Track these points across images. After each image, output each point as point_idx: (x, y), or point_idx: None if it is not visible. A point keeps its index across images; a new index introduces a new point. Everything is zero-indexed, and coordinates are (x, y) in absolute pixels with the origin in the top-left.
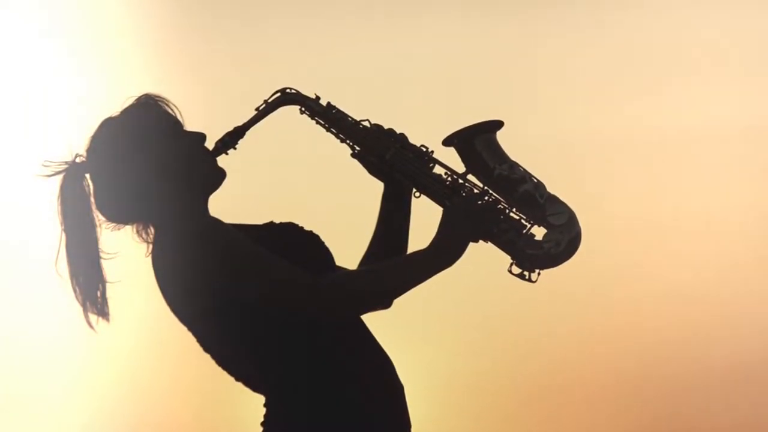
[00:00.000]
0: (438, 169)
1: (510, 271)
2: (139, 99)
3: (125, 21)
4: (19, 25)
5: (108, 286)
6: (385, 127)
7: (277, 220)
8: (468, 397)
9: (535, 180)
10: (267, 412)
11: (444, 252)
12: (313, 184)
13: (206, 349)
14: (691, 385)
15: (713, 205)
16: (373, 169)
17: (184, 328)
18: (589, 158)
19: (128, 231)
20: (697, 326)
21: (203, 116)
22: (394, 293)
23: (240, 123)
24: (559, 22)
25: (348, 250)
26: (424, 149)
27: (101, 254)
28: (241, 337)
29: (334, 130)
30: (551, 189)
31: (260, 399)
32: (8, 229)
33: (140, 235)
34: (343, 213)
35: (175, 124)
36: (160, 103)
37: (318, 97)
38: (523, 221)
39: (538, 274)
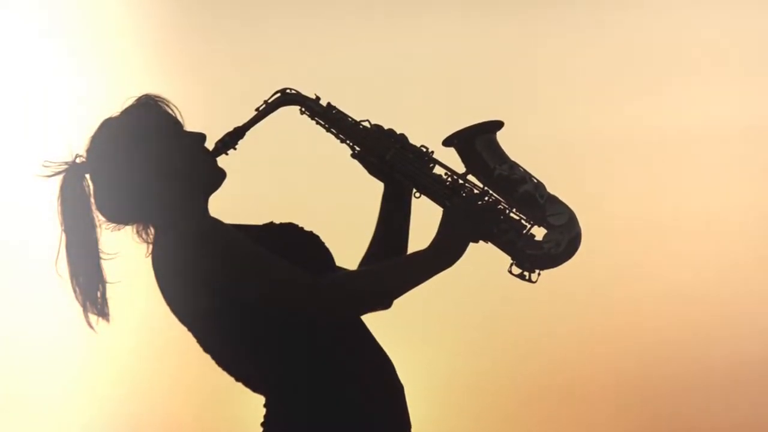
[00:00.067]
0: (438, 170)
1: (510, 272)
2: (139, 99)
3: (125, 21)
4: (19, 25)
5: (108, 286)
6: (385, 128)
7: (277, 221)
8: (468, 397)
9: (535, 180)
10: (267, 412)
11: (444, 252)
12: (313, 184)
13: (206, 349)
14: (691, 385)
15: (713, 205)
16: (373, 170)
17: (184, 328)
18: (589, 158)
19: (128, 231)
20: (697, 326)
21: (203, 116)
22: (394, 293)
23: (240, 123)
24: (559, 22)
25: (348, 250)
26: (424, 149)
27: (101, 254)
28: (241, 337)
29: (334, 131)
30: (551, 189)
31: (260, 399)
32: (8, 229)
33: (140, 236)
34: (343, 213)
35: (175, 124)
36: (160, 103)
37: (318, 98)
38: (523, 222)
39: (538, 274)
